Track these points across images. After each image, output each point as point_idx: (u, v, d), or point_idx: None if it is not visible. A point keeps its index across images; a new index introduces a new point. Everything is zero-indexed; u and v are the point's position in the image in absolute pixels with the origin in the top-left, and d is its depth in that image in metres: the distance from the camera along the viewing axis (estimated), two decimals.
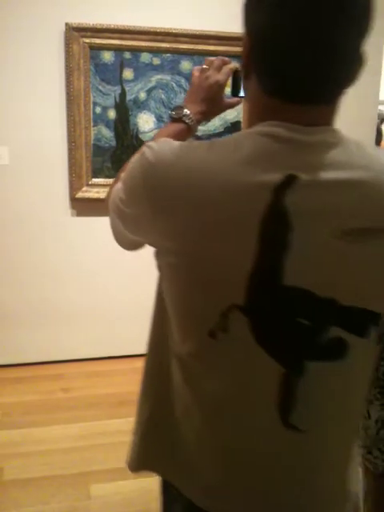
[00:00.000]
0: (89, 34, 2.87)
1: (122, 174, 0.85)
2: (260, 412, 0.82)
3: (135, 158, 0.81)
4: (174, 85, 3.05)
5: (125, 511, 2.08)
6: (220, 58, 1.05)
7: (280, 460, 0.84)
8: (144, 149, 0.79)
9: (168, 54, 3.01)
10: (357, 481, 0.92)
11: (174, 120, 1.02)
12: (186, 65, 3.04)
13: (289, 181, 0.72)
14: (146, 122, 3.07)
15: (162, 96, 3.05)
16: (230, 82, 1.07)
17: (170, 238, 0.77)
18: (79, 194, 3.07)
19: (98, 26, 2.86)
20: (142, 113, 3.06)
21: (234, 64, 1.06)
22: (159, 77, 3.03)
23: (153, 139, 0.90)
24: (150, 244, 0.83)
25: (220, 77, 1.03)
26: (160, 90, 3.05)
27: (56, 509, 2.07)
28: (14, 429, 2.59)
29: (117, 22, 2.88)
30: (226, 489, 0.87)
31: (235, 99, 1.07)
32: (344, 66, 0.74)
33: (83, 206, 3.12)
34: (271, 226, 0.72)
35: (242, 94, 1.04)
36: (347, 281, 0.75)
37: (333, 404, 0.82)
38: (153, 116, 3.07)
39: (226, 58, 1.04)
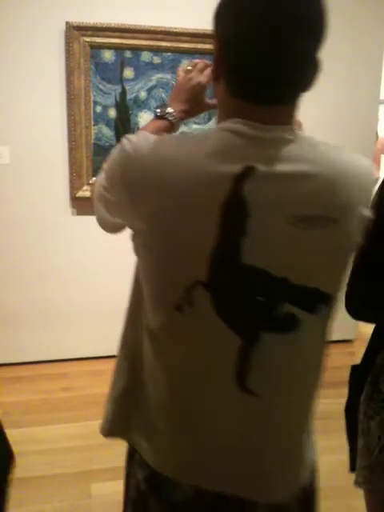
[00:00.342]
0: (89, 32, 2.87)
1: (105, 165, 0.93)
2: (220, 379, 0.90)
3: (115, 150, 0.89)
4: (175, 84, 3.05)
5: None
6: (203, 60, 1.11)
7: (237, 425, 0.92)
8: (124, 141, 0.87)
9: (168, 53, 3.01)
10: (313, 451, 1.01)
11: (158, 117, 1.11)
12: (186, 64, 3.04)
13: (247, 171, 0.81)
14: (146, 120, 3.07)
15: (163, 95, 3.05)
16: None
17: (144, 221, 0.85)
18: (80, 193, 3.07)
19: (99, 25, 2.86)
20: (143, 112, 3.06)
21: None
22: (160, 76, 3.03)
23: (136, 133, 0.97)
24: (128, 226, 0.92)
25: (202, 78, 1.09)
26: (160, 89, 3.05)
27: (57, 508, 2.07)
28: (15, 428, 2.58)
29: (117, 21, 2.88)
30: (187, 455, 0.95)
31: (216, 100, 1.08)
32: (300, 72, 0.82)
33: (84, 205, 3.12)
34: (231, 210, 0.81)
35: None
36: (299, 263, 0.85)
37: (284, 372, 0.91)
38: (153, 115, 3.06)
39: (209, 61, 1.07)
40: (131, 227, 0.91)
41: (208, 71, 1.11)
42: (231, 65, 0.84)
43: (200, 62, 1.11)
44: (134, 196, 0.85)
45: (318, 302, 0.88)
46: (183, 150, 0.84)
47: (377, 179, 0.92)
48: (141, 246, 0.91)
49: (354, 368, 1.34)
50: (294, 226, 0.82)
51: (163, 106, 1.12)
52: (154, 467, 0.97)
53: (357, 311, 1.19)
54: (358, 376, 1.31)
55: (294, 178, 0.82)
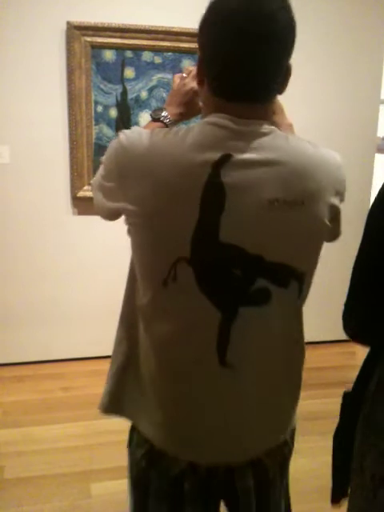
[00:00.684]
0: (90, 32, 2.86)
1: (103, 157, 1.04)
2: (202, 353, 0.99)
3: (112, 142, 1.01)
4: (171, 89, 3.05)
5: (125, 510, 2.07)
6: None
7: (216, 395, 1.01)
8: (120, 134, 0.99)
9: (169, 53, 3.01)
10: (291, 418, 1.13)
11: (154, 120, 1.20)
12: (187, 63, 3.03)
13: (224, 158, 0.92)
14: (147, 120, 3.05)
15: (164, 95, 3.05)
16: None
17: (135, 204, 0.95)
18: (80, 193, 3.07)
19: (100, 25, 2.86)
20: (144, 111, 3.06)
21: None
22: (160, 75, 3.03)
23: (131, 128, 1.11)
24: (122, 209, 0.99)
25: (195, 84, 1.14)
26: (161, 89, 3.04)
27: (57, 507, 2.07)
28: (15, 428, 2.59)
29: (118, 21, 2.88)
30: (177, 429, 1.05)
31: None
32: (270, 77, 0.94)
33: (84, 205, 3.11)
34: (210, 193, 0.92)
35: None
36: (272, 242, 0.95)
37: (260, 345, 1.00)
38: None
39: None
40: (123, 209, 0.99)
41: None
42: (212, 70, 0.96)
43: (194, 68, 1.18)
44: (126, 181, 0.96)
45: (290, 277, 0.98)
46: (170, 141, 0.95)
47: (342, 171, 1.03)
48: (132, 226, 1.00)
49: (346, 395, 1.22)
50: (265, 208, 0.93)
51: (158, 109, 1.21)
52: (151, 441, 1.06)
53: (357, 334, 1.11)
54: (350, 404, 1.19)
55: (265, 165, 0.93)
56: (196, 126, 0.96)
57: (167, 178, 0.93)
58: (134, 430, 1.14)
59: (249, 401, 1.04)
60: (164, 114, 1.19)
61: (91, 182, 1.15)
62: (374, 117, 3.46)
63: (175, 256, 0.95)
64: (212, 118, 0.95)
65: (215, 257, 0.95)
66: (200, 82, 1.01)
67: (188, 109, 1.21)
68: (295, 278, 0.99)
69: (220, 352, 0.98)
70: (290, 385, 1.11)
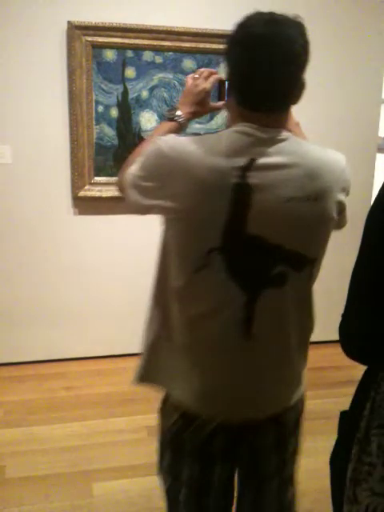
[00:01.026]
0: (91, 32, 2.86)
1: (139, 159, 1.17)
2: (230, 329, 1.16)
3: (151, 148, 1.14)
4: (176, 83, 3.05)
5: (127, 510, 2.08)
6: (208, 69, 1.34)
7: (242, 364, 1.19)
8: (157, 141, 1.13)
9: (170, 53, 3.01)
10: (303, 380, 1.31)
11: (168, 119, 1.31)
12: (188, 63, 3.03)
13: (250, 163, 1.08)
14: (148, 120, 3.07)
15: (165, 94, 3.05)
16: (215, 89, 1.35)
17: (174, 201, 1.10)
18: (81, 193, 3.07)
19: (101, 25, 2.86)
20: (145, 111, 3.06)
21: (220, 75, 1.34)
22: (161, 75, 3.03)
23: (151, 134, 1.30)
24: (158, 206, 1.13)
25: (207, 85, 1.31)
26: (162, 89, 3.04)
27: (58, 507, 2.07)
28: (17, 427, 2.59)
29: (119, 21, 2.88)
30: (208, 391, 1.20)
31: (219, 103, 1.35)
32: (288, 90, 1.10)
33: (85, 205, 3.12)
34: (238, 193, 1.07)
35: (226, 99, 1.29)
36: (290, 233, 1.12)
37: (275, 319, 1.17)
38: (155, 114, 3.07)
39: (214, 70, 1.35)
40: (161, 206, 1.13)
41: (212, 78, 1.32)
42: (238, 84, 1.12)
43: (205, 70, 1.33)
44: (166, 182, 1.10)
45: (303, 263, 1.16)
46: (204, 148, 1.09)
47: (347, 170, 1.19)
48: (169, 221, 1.15)
49: (343, 414, 1.17)
50: (284, 203, 1.09)
51: (172, 109, 1.32)
52: (184, 406, 1.23)
53: (357, 352, 1.03)
54: (347, 425, 1.13)
55: (283, 168, 1.09)
56: (225, 134, 1.13)
57: (203, 180, 1.07)
58: (166, 398, 1.30)
59: (269, 366, 1.21)
60: (178, 113, 1.30)
61: (118, 180, 1.28)
62: (375, 116, 3.45)
63: (207, 247, 1.10)
64: (239, 127, 1.11)
65: (242, 246, 1.11)
66: (228, 94, 1.18)
67: (200, 108, 1.32)
68: (308, 264, 1.16)
69: (245, 327, 1.15)
70: (301, 352, 1.27)
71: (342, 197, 1.17)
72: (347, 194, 1.19)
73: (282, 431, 1.30)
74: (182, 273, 1.15)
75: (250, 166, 1.08)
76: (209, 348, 1.19)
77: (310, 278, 1.19)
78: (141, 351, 1.31)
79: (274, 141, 1.10)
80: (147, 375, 1.30)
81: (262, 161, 1.08)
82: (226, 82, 1.26)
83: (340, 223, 1.23)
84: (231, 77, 1.13)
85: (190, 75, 1.35)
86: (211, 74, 1.33)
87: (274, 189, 1.08)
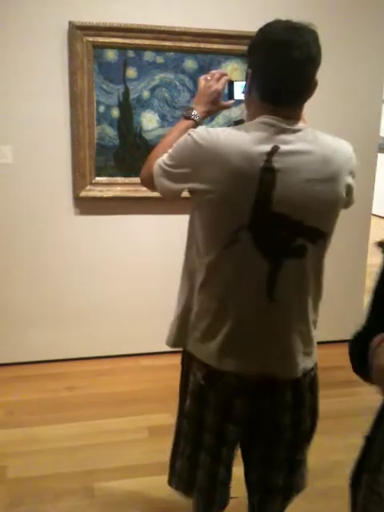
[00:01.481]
0: (92, 32, 2.86)
1: (169, 151, 1.35)
2: (255, 292, 1.33)
3: (183, 139, 1.31)
4: (178, 83, 3.05)
5: (129, 510, 2.08)
6: (219, 71, 1.52)
7: (265, 323, 1.36)
8: (191, 132, 1.30)
9: (171, 53, 3.00)
10: (315, 346, 1.46)
11: (185, 117, 1.49)
12: (189, 63, 3.03)
13: (274, 149, 1.25)
14: (149, 120, 3.07)
15: (166, 95, 3.05)
16: (226, 89, 1.52)
17: (206, 183, 1.27)
18: (83, 193, 3.07)
19: (102, 25, 2.86)
20: (146, 111, 3.06)
21: (229, 76, 1.52)
22: (162, 75, 3.02)
23: (170, 132, 1.49)
24: (192, 188, 1.31)
25: (219, 86, 1.49)
26: (163, 89, 3.04)
27: (60, 507, 2.07)
28: (18, 427, 2.59)
29: (120, 21, 2.88)
30: (233, 350, 1.37)
31: (229, 101, 1.55)
32: (304, 87, 1.28)
33: (86, 205, 3.12)
34: (265, 175, 1.24)
35: (235, 98, 1.53)
36: (309, 210, 1.28)
37: (295, 284, 1.34)
38: (156, 115, 3.07)
39: (224, 71, 1.55)
40: (193, 188, 1.30)
41: (223, 80, 1.49)
42: (261, 83, 1.29)
43: (216, 72, 1.51)
44: (199, 167, 1.27)
45: (319, 237, 1.33)
46: (234, 137, 1.26)
47: (354, 156, 1.36)
48: (202, 201, 1.30)
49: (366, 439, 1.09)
50: (304, 184, 1.25)
51: (189, 109, 1.50)
52: (210, 364, 1.39)
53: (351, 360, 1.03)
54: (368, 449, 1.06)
55: (302, 153, 1.26)
56: (251, 125, 1.29)
57: (234, 164, 1.23)
58: (192, 359, 1.45)
59: (290, 327, 1.37)
60: (194, 112, 1.48)
61: (144, 173, 1.46)
62: (375, 116, 3.45)
63: (238, 225, 1.27)
64: (264, 119, 1.28)
65: (268, 222, 1.27)
66: (249, 91, 1.33)
67: (213, 107, 1.50)
68: (322, 237, 1.34)
69: (269, 291, 1.32)
70: (314, 317, 1.44)
71: (349, 179, 1.34)
72: (354, 176, 1.36)
73: (299, 390, 1.45)
74: (212, 248, 1.33)
75: (274, 152, 1.24)
76: (235, 311, 1.35)
77: (324, 249, 1.37)
78: (173, 319, 1.50)
79: (293, 131, 1.28)
80: (178, 341, 1.48)
81: (284, 148, 1.25)
82: (234, 83, 1.51)
83: (348, 202, 1.40)
84: (255, 76, 1.30)
85: (203, 77, 1.52)
86: (222, 75, 1.50)
87: (295, 172, 1.25)
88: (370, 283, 4.34)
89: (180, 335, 1.47)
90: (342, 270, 3.54)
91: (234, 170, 1.24)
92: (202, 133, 1.29)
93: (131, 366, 3.22)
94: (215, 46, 3.01)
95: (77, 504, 2.09)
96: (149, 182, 1.43)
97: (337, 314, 3.58)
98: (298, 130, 1.28)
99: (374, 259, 6.00)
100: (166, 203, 2.70)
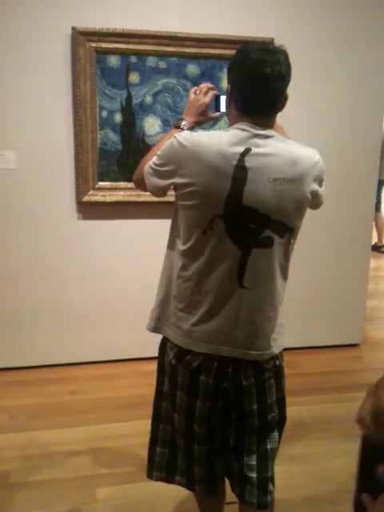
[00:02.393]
0: (95, 38, 2.88)
1: (158, 152, 1.50)
2: (227, 278, 1.46)
3: (170, 141, 1.47)
4: (180, 88, 3.06)
5: None
6: (207, 85, 1.67)
7: (235, 308, 1.48)
8: (176, 136, 1.46)
9: (174, 58, 3.02)
10: (282, 336, 1.58)
11: (175, 126, 1.65)
12: (191, 68, 3.05)
13: (247, 151, 1.41)
14: (151, 125, 3.08)
15: (168, 100, 3.06)
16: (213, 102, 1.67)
17: (188, 178, 1.43)
18: (86, 198, 3.08)
19: (105, 30, 2.88)
20: (148, 116, 3.07)
21: (215, 91, 1.67)
22: (165, 80, 3.04)
23: (161, 139, 1.62)
24: (177, 183, 1.46)
25: (206, 99, 1.64)
26: (166, 94, 3.06)
27: None
28: (21, 431, 2.59)
29: (123, 26, 2.90)
30: (200, 331, 1.50)
31: (216, 113, 1.69)
32: (274, 100, 1.46)
33: (89, 210, 3.13)
34: (238, 172, 1.40)
35: (221, 110, 1.67)
36: (275, 206, 1.42)
37: (262, 273, 1.47)
38: (159, 120, 3.08)
39: (211, 85, 1.67)
40: (179, 183, 1.46)
41: (210, 93, 1.64)
42: (239, 96, 1.47)
43: (204, 86, 1.66)
44: (183, 164, 1.44)
45: (285, 231, 1.47)
46: (212, 139, 1.44)
47: (320, 163, 1.50)
48: (183, 194, 1.46)
49: None
50: (271, 183, 1.41)
51: (179, 119, 1.66)
52: (180, 345, 1.52)
53: None
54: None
55: (271, 156, 1.42)
56: (228, 130, 1.46)
57: (211, 161, 1.40)
58: (166, 341, 1.59)
59: (259, 312, 1.49)
60: (183, 122, 1.64)
61: (136, 175, 1.62)
62: (378, 118, 3.46)
63: (213, 213, 1.42)
64: (239, 125, 1.45)
65: (239, 214, 1.42)
66: (229, 104, 1.51)
67: (201, 118, 1.66)
68: (288, 231, 1.48)
69: (239, 277, 1.45)
70: (280, 307, 1.55)
71: (314, 185, 1.49)
72: (320, 182, 1.52)
73: (261, 377, 1.54)
74: (191, 236, 1.48)
75: (246, 153, 1.40)
76: (209, 294, 1.48)
77: (289, 243, 1.50)
78: (153, 307, 1.62)
79: (265, 136, 1.44)
80: (157, 327, 1.60)
81: (256, 150, 1.41)
82: (221, 96, 1.66)
83: (316, 204, 1.57)
84: (234, 90, 1.47)
85: (192, 89, 1.68)
86: (209, 89, 1.66)
87: (264, 171, 1.41)
88: (372, 287, 4.34)
89: (159, 321, 1.60)
90: (344, 274, 3.54)
91: (211, 166, 1.40)
92: (186, 135, 1.46)
93: (133, 370, 3.22)
94: (217, 51, 3.02)
95: (80, 508, 2.09)
96: (140, 182, 1.59)
97: (339, 318, 3.57)
98: (269, 136, 1.44)
99: (377, 262, 6.00)
100: (168, 208, 2.71)
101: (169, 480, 1.67)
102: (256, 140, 1.42)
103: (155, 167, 1.51)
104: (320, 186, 1.53)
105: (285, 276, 1.55)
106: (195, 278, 1.49)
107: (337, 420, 2.70)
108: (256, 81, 1.42)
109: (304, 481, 2.18)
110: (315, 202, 1.54)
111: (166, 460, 1.65)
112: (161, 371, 1.64)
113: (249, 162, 1.40)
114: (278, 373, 1.59)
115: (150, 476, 1.68)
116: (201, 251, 1.47)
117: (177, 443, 1.62)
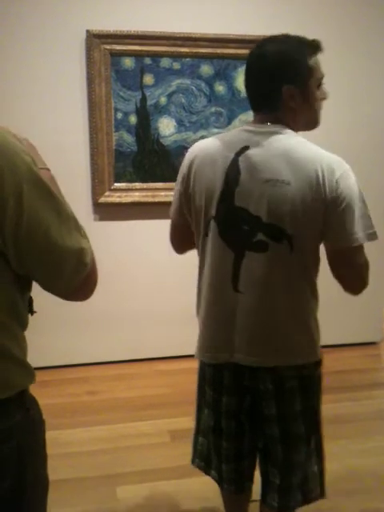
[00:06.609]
0: (109, 40, 2.90)
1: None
2: (223, 280, 1.43)
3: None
4: (194, 89, 3.07)
5: None
6: None
7: (231, 311, 1.44)
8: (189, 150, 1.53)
9: (188, 59, 3.03)
10: (304, 351, 1.47)
11: None
12: (205, 69, 3.05)
13: (243, 149, 1.38)
14: (166, 126, 3.09)
15: (183, 100, 3.07)
16: None
17: (189, 186, 1.46)
18: (102, 199, 3.10)
19: (119, 33, 2.90)
20: (163, 117, 3.08)
21: None
22: (179, 81, 3.05)
23: None
24: (182, 197, 1.51)
25: None
26: (180, 95, 3.06)
27: (82, 511, 2.09)
28: None
29: (137, 28, 2.91)
30: (208, 341, 1.50)
31: None
32: (268, 95, 1.38)
33: (106, 211, 3.15)
34: (231, 171, 1.38)
35: None
36: (266, 207, 1.34)
37: (257, 277, 1.40)
38: (173, 120, 3.09)
39: None
40: (181, 191, 1.50)
41: None
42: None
43: None
44: (183, 178, 1.49)
45: (281, 236, 1.35)
46: (207, 144, 1.46)
47: (338, 174, 1.34)
48: (189, 201, 1.48)
49: None
50: (264, 184, 1.34)
51: None
52: (196, 357, 1.55)
53: None
54: None
55: (268, 155, 1.35)
56: (231, 131, 1.48)
57: (208, 164, 1.41)
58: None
59: (253, 319, 1.43)
60: None
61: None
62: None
63: (209, 216, 1.42)
64: (244, 125, 1.45)
65: (231, 216, 1.39)
66: None
67: None
68: (285, 237, 1.35)
69: (233, 281, 1.41)
70: (295, 320, 1.44)
71: (330, 201, 1.31)
72: (340, 202, 1.31)
73: (280, 384, 1.46)
74: (198, 243, 1.49)
75: (241, 152, 1.37)
76: (210, 302, 1.47)
77: (291, 250, 1.36)
78: None
79: (267, 134, 1.37)
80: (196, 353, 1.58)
81: (251, 150, 1.37)
82: None
83: (341, 238, 1.36)
84: None
85: None
86: None
87: (257, 171, 1.35)
88: None
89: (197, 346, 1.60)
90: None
91: (205, 171, 1.41)
92: (188, 151, 1.51)
93: (151, 370, 3.24)
94: (231, 51, 3.02)
95: (100, 508, 2.10)
96: (172, 237, 1.64)
97: (357, 317, 3.55)
98: (272, 135, 1.37)
99: None
100: None
101: (206, 471, 1.66)
102: (256, 139, 1.37)
103: (175, 194, 1.55)
104: (346, 211, 1.32)
105: (291, 289, 1.41)
106: (205, 289, 1.49)
107: (356, 418, 2.69)
108: (246, 75, 1.42)
109: (322, 478, 2.17)
110: (338, 231, 1.34)
111: (205, 451, 1.64)
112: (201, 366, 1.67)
113: (243, 161, 1.36)
114: (305, 383, 1.49)
115: (193, 461, 1.68)
116: (204, 253, 1.47)
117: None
